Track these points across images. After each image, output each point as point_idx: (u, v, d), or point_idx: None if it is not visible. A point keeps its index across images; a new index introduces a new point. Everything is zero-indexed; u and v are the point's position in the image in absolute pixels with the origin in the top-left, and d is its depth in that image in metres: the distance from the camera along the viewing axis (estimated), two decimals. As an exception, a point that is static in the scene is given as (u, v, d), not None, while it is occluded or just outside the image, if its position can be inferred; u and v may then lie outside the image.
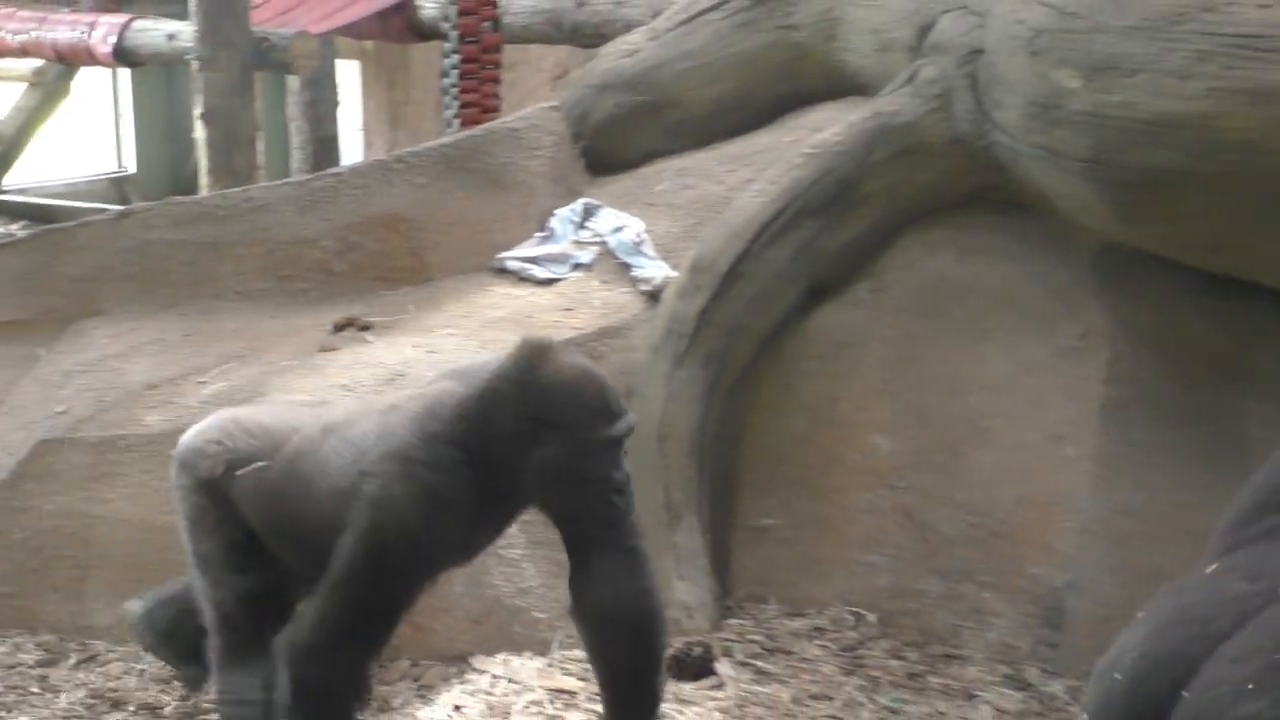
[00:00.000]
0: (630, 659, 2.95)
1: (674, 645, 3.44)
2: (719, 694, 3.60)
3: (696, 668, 3.60)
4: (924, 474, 4.10)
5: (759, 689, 3.61)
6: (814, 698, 3.67)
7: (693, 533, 3.99)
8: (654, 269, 4.40)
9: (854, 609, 4.10)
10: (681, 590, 3.88)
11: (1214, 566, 2.06)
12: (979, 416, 4.06)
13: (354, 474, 2.95)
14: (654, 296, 4.30)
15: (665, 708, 3.21)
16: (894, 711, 3.59)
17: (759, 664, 3.76)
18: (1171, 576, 3.71)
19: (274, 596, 3.22)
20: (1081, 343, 3.98)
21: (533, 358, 2.91)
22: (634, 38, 5.25)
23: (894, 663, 3.84)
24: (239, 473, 3.11)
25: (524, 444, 2.86)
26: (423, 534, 2.89)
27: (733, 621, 3.99)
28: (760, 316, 4.15)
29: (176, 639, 3.43)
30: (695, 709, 3.48)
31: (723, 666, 3.65)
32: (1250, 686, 1.85)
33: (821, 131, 4.28)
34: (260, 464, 3.11)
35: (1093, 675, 2.05)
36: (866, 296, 4.24)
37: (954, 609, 3.99)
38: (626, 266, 4.49)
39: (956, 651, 3.90)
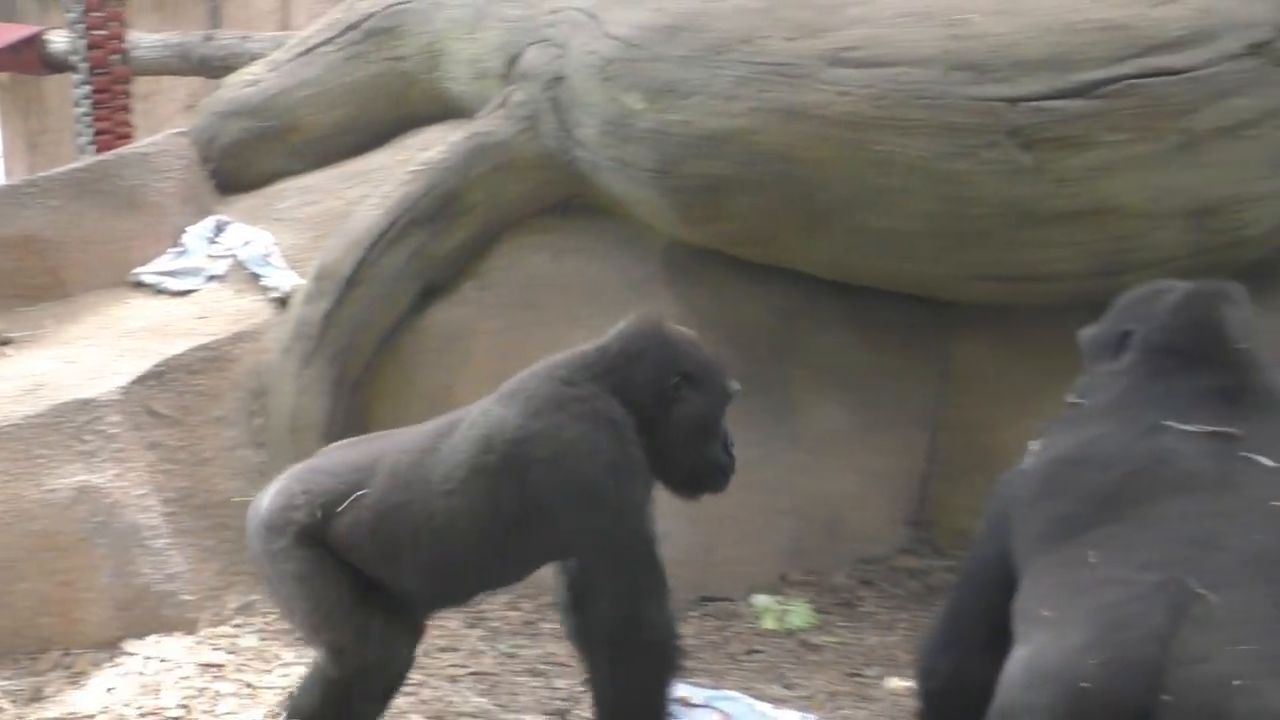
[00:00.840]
0: None
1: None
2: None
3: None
4: (534, 446, 4.30)
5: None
6: (441, 650, 3.74)
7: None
8: (282, 278, 4.46)
9: (476, 570, 4.27)
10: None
11: (1090, 564, 1.93)
12: (575, 392, 4.27)
13: (500, 447, 2.75)
14: (283, 303, 4.37)
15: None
16: (511, 656, 3.73)
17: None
18: (742, 526, 4.05)
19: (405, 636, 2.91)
20: None
21: (660, 324, 2.89)
22: (256, 69, 5.28)
23: (512, 614, 3.97)
24: (339, 510, 2.82)
25: (665, 398, 2.81)
26: (618, 455, 2.76)
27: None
28: (380, 316, 4.26)
29: None
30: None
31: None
32: (1237, 684, 1.78)
33: (428, 151, 4.42)
34: (360, 493, 2.83)
35: (1022, 679, 1.90)
36: (474, 294, 4.36)
37: (556, 563, 4.19)
38: (256, 276, 4.52)
39: (563, 599, 4.10)
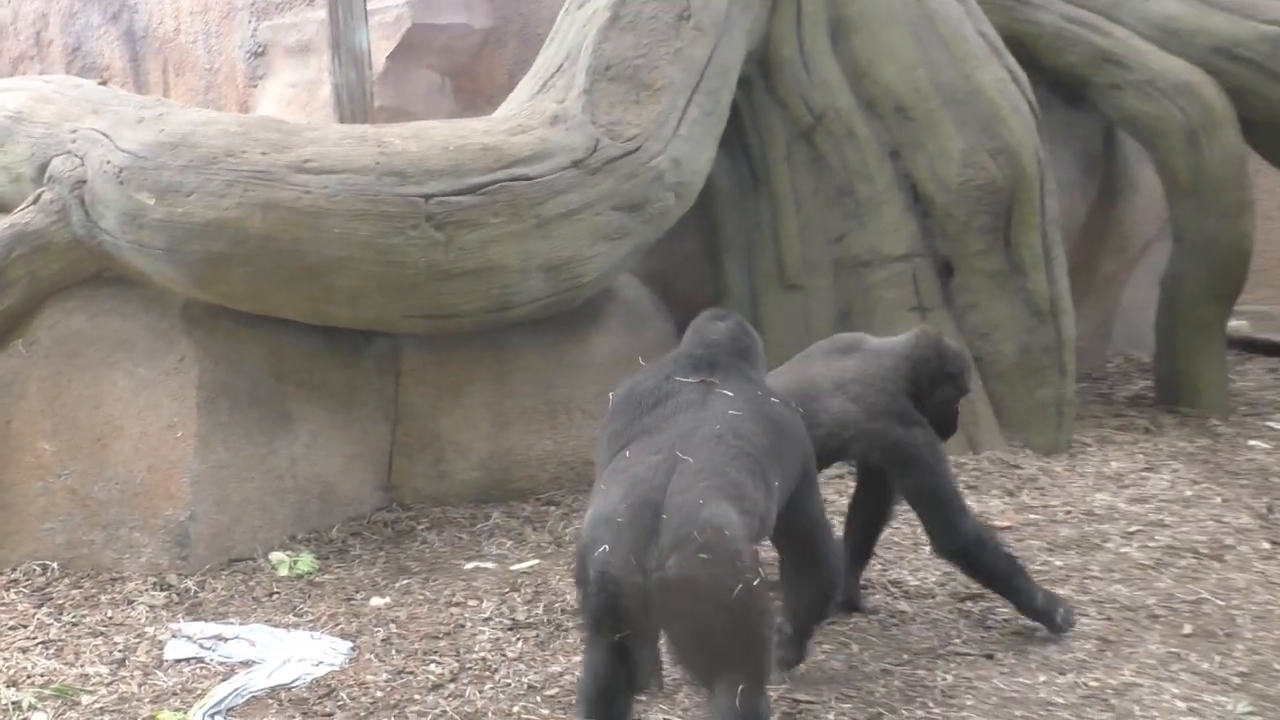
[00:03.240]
0: None
1: None
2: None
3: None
4: (81, 463, 4.21)
5: None
6: (12, 629, 3.74)
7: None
8: None
9: (40, 562, 4.16)
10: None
11: (626, 456, 2.57)
12: (116, 420, 4.21)
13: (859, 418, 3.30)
14: None
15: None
16: (74, 624, 3.75)
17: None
18: (257, 504, 4.30)
19: None
20: (179, 365, 4.22)
21: (937, 337, 3.48)
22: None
23: (75, 592, 4.00)
24: None
25: (932, 387, 3.38)
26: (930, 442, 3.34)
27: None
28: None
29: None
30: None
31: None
32: (701, 501, 2.39)
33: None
34: None
35: (588, 525, 2.43)
36: (24, 350, 4.31)
37: (115, 549, 4.14)
38: None
39: (120, 575, 4.08)
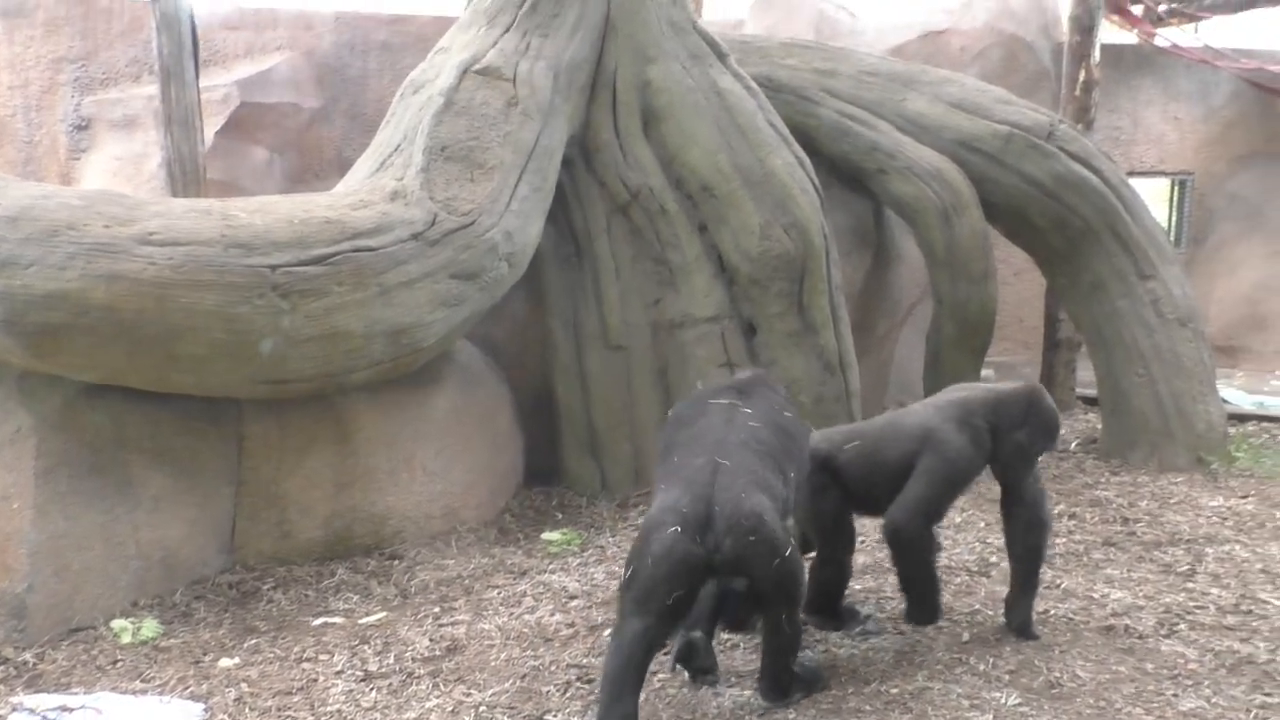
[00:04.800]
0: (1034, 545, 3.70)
1: None
2: None
3: None
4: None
5: None
6: None
7: None
8: None
9: None
10: None
11: (674, 460, 3.13)
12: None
13: (922, 434, 3.59)
14: None
15: None
16: None
17: None
18: (98, 572, 4.02)
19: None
20: (16, 435, 3.98)
21: (1037, 391, 3.68)
22: None
23: None
24: (845, 447, 3.66)
25: (1012, 427, 3.59)
26: (965, 456, 3.58)
27: None
28: None
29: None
30: None
31: None
32: (742, 494, 2.95)
33: None
34: (855, 443, 3.68)
35: (657, 512, 2.96)
36: None
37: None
38: None
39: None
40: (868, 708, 3.26)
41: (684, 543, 2.88)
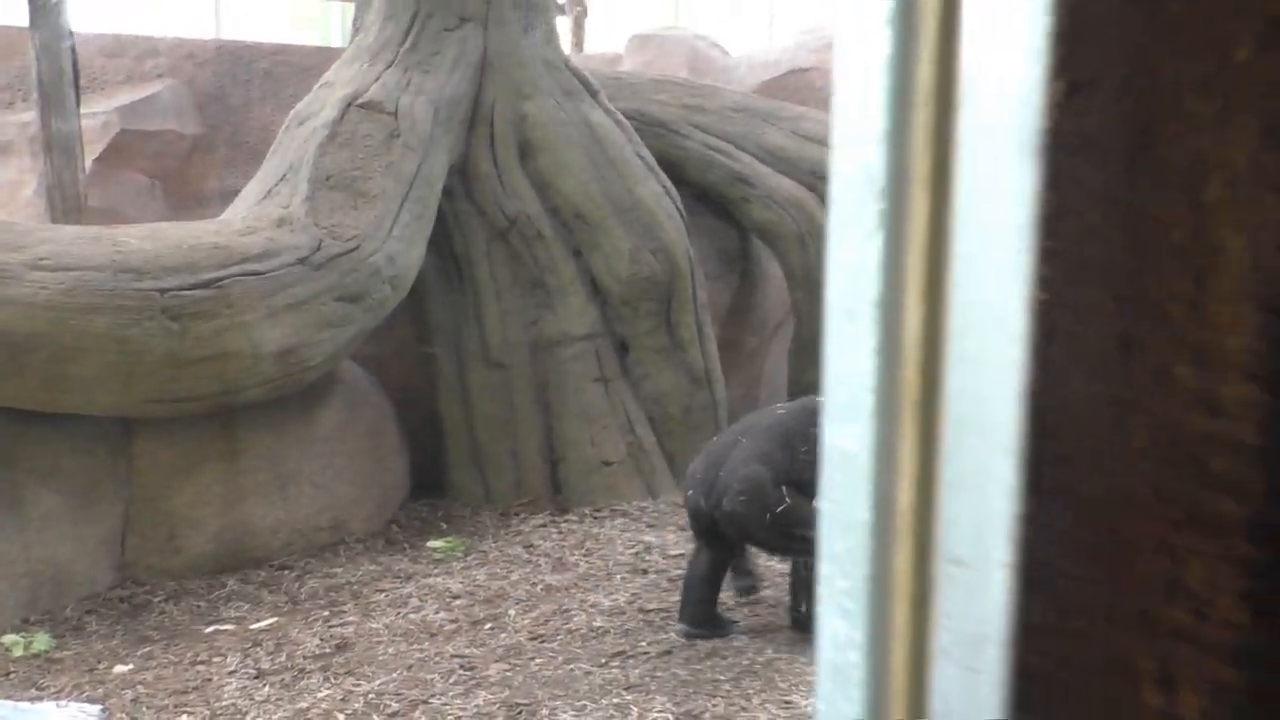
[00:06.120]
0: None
1: None
2: None
3: None
4: None
5: None
6: None
7: None
8: None
9: None
10: None
11: (712, 441, 4.05)
12: None
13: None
14: None
15: None
16: None
17: None
18: None
19: None
20: None
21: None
22: None
23: None
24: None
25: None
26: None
27: None
28: None
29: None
30: None
31: None
32: (742, 462, 3.68)
33: None
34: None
35: (688, 479, 3.89)
36: None
37: None
38: None
39: None
40: (722, 677, 3.66)
41: (694, 499, 3.84)
